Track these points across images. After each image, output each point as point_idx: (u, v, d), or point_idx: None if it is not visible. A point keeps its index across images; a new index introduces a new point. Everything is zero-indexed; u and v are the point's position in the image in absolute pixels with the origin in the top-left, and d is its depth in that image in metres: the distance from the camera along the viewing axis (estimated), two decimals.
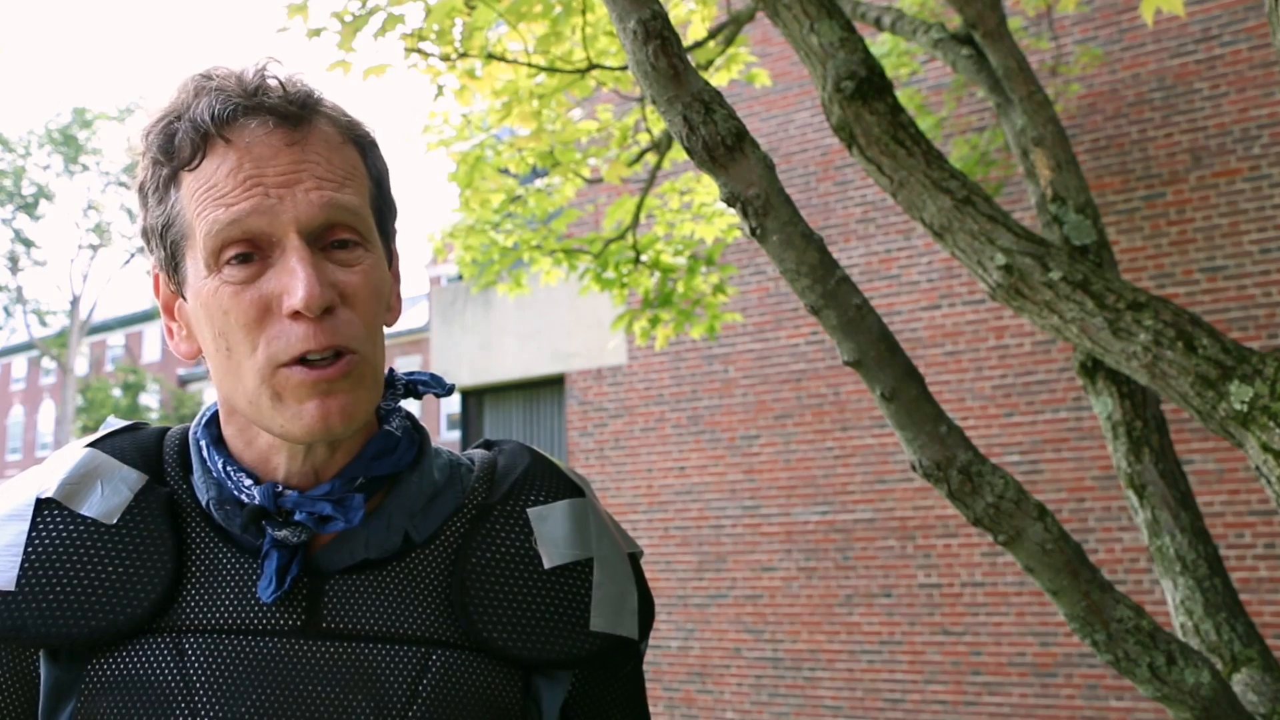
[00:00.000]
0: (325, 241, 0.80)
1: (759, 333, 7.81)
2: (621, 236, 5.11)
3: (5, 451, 40.48)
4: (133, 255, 29.44)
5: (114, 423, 0.92)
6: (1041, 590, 2.27)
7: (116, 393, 30.12)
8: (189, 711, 0.78)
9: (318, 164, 0.80)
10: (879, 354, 1.75)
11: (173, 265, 0.84)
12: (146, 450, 0.88)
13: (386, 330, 0.87)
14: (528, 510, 0.89)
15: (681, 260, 5.26)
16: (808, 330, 7.57)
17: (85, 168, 28.55)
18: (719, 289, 5.32)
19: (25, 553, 0.81)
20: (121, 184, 28.87)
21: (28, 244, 28.63)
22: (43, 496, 0.83)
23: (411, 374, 0.95)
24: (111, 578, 0.81)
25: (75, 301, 28.92)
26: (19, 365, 40.92)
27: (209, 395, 35.26)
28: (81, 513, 0.83)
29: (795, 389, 7.59)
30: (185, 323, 0.86)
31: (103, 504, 0.83)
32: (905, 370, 1.78)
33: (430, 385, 0.94)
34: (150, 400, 31.86)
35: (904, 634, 6.99)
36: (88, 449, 0.87)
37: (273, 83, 0.81)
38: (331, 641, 0.81)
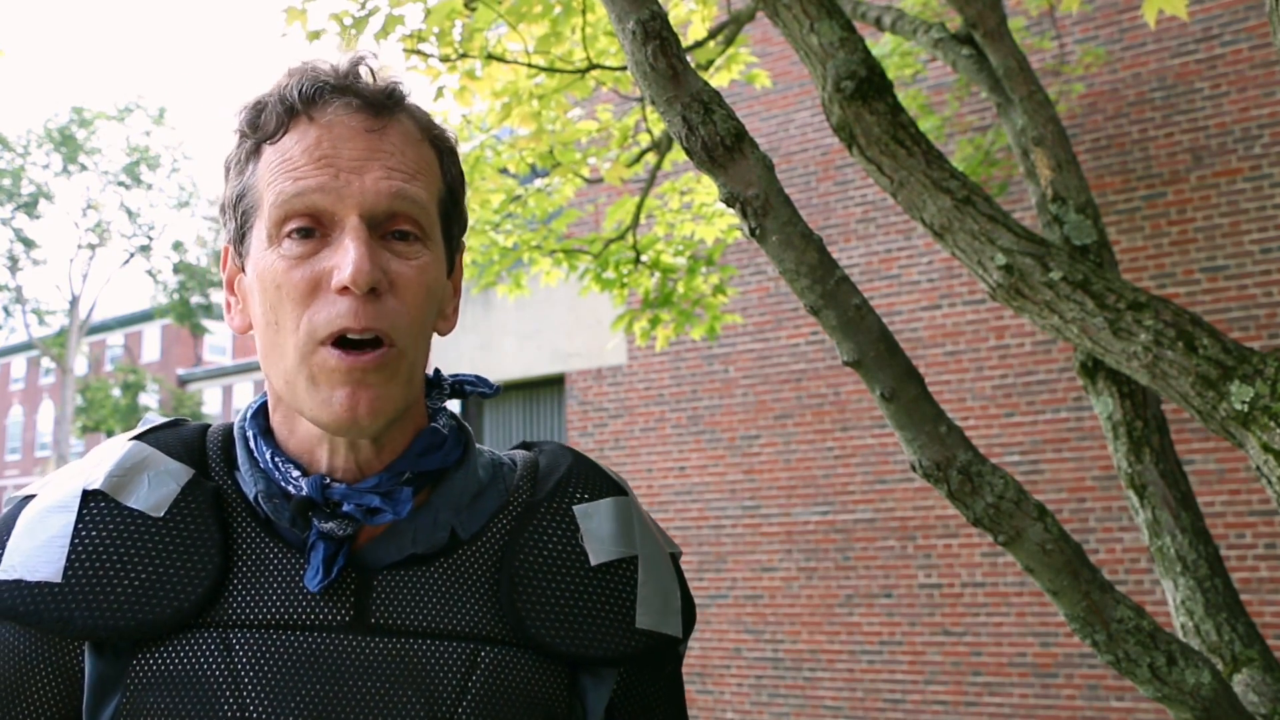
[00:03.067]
0: (386, 230, 0.82)
1: (759, 333, 7.80)
2: (621, 237, 5.11)
3: (4, 451, 40.47)
4: (132, 255, 29.44)
5: (153, 419, 0.92)
6: (1042, 590, 2.27)
7: (116, 393, 30.11)
8: (237, 707, 0.78)
9: (392, 154, 0.82)
10: (879, 354, 1.75)
11: (240, 237, 0.86)
12: (191, 445, 0.88)
13: None
14: (574, 508, 0.89)
15: (682, 261, 5.25)
16: (808, 330, 7.57)
17: (84, 167, 28.54)
18: (719, 289, 5.32)
19: (71, 544, 0.80)
20: (121, 183, 28.86)
21: (27, 243, 28.62)
22: (89, 489, 0.83)
23: (457, 375, 0.95)
24: (158, 571, 0.80)
25: (74, 301, 28.91)
26: (18, 365, 40.92)
27: (209, 395, 35.26)
28: (128, 505, 0.82)
29: (795, 389, 7.59)
30: (243, 296, 0.88)
31: (150, 497, 0.83)
32: (905, 370, 1.77)
33: (476, 386, 0.95)
34: (149, 400, 31.85)
35: (904, 634, 6.99)
36: (133, 442, 0.87)
37: (363, 71, 0.84)
38: (380, 637, 0.81)
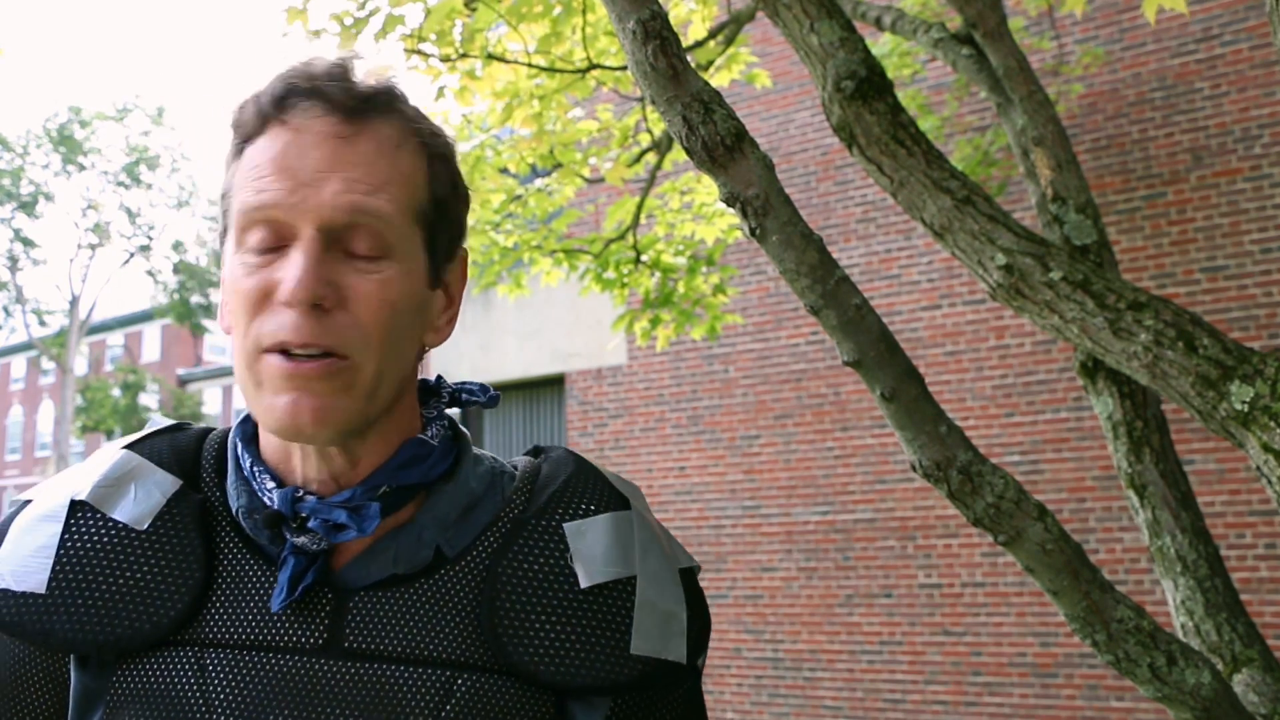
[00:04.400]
0: (348, 243, 0.79)
1: (759, 333, 7.80)
2: (622, 237, 5.11)
3: (4, 451, 40.47)
4: (132, 255, 29.44)
5: (158, 422, 0.90)
6: (1042, 590, 2.27)
7: (116, 393, 30.10)
8: None
9: (356, 165, 0.78)
10: (879, 354, 1.75)
11: (223, 235, 0.84)
12: (184, 453, 0.86)
13: None
14: (564, 525, 0.84)
15: (682, 260, 5.25)
16: (808, 330, 7.57)
17: (83, 167, 28.55)
18: (719, 289, 5.32)
19: (57, 555, 0.80)
20: (120, 184, 28.86)
21: (27, 243, 28.63)
22: (76, 498, 0.82)
23: (461, 384, 0.93)
24: (139, 585, 0.79)
25: (74, 301, 28.92)
26: (18, 365, 40.91)
27: (209, 395, 35.26)
28: (113, 517, 0.81)
29: (795, 389, 7.59)
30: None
31: (135, 508, 0.82)
32: (905, 370, 1.77)
33: (475, 395, 0.91)
34: (149, 400, 31.85)
35: (904, 634, 6.99)
36: (124, 450, 0.86)
37: (338, 72, 0.81)
38: (353, 662, 0.78)
